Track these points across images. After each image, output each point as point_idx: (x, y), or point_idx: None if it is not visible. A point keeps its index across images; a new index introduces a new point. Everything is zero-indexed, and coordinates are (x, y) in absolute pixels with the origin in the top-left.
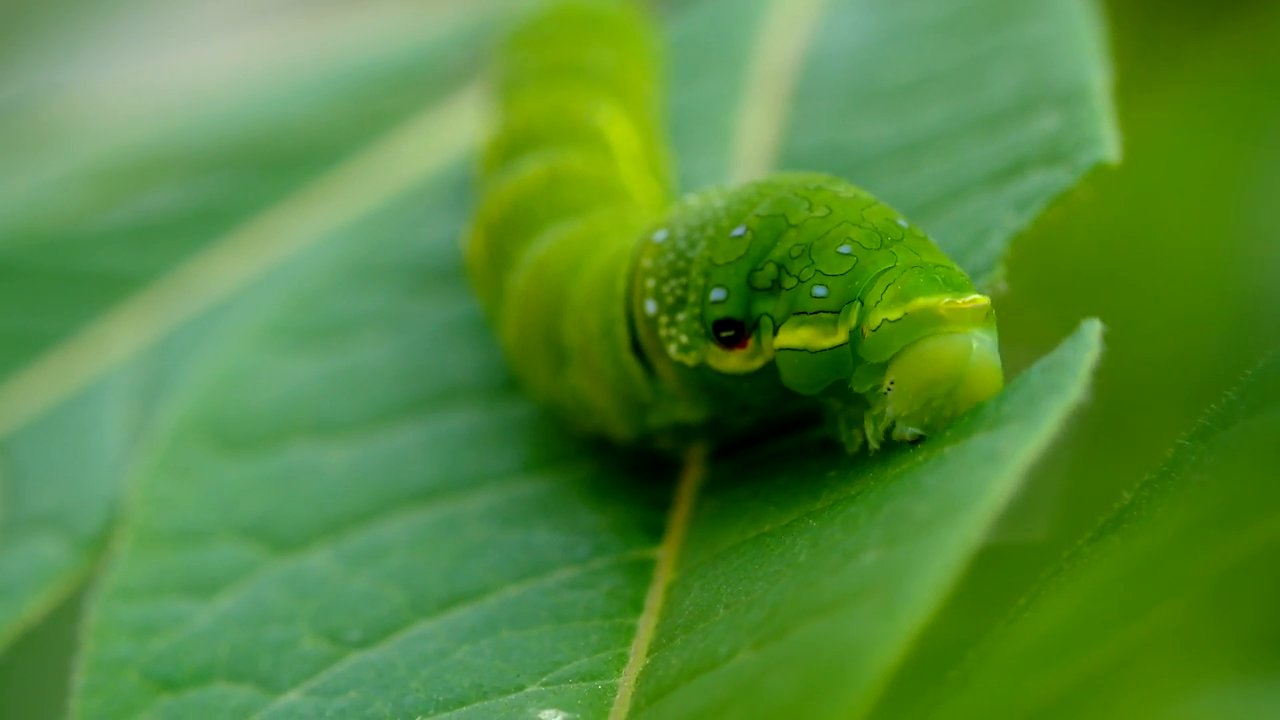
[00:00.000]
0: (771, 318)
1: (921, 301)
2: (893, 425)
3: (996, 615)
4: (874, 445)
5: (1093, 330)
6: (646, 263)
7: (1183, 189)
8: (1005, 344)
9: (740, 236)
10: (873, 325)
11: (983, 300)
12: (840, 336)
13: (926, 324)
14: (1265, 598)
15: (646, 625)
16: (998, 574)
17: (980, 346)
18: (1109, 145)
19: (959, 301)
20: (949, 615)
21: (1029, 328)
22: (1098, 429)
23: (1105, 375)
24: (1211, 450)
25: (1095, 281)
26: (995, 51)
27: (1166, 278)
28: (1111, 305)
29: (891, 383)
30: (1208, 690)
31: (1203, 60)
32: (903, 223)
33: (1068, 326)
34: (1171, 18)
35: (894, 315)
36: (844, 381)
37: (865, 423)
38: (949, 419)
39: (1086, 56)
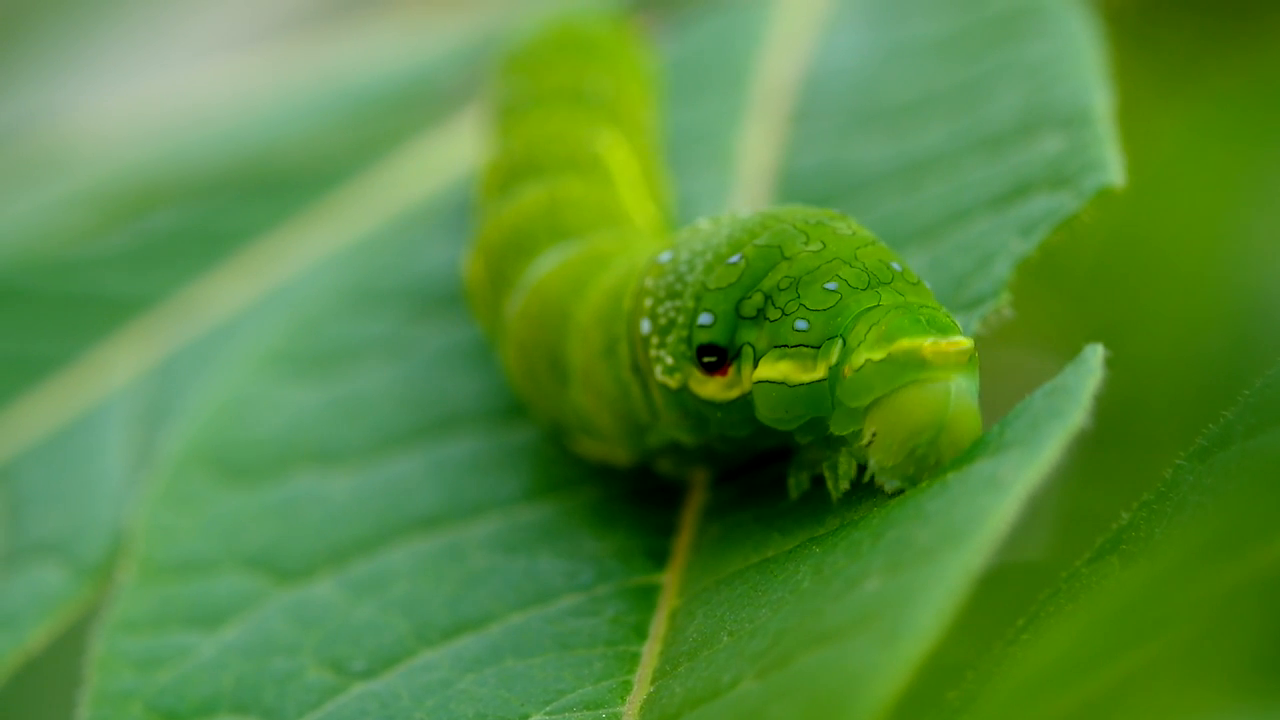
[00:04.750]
0: (753, 348)
1: (906, 343)
2: (867, 471)
3: (995, 636)
4: (836, 492)
5: (1095, 355)
6: (649, 282)
7: (1183, 202)
8: (1007, 354)
9: (735, 264)
10: (855, 365)
11: (966, 343)
12: (819, 372)
13: (910, 367)
14: (1265, 622)
15: (650, 652)
16: (996, 593)
17: (959, 393)
18: (1114, 169)
19: (943, 343)
20: (948, 635)
21: (1030, 339)
22: (1096, 446)
23: (1103, 392)
24: (1210, 471)
25: (1093, 296)
26: (996, 71)
27: (1165, 292)
28: (1110, 320)
29: (874, 434)
30: (1209, 715)
31: (1206, 71)
32: (895, 265)
33: (1067, 340)
34: (1175, 27)
35: (878, 356)
36: (819, 420)
37: (838, 464)
38: (933, 468)
39: (1089, 77)
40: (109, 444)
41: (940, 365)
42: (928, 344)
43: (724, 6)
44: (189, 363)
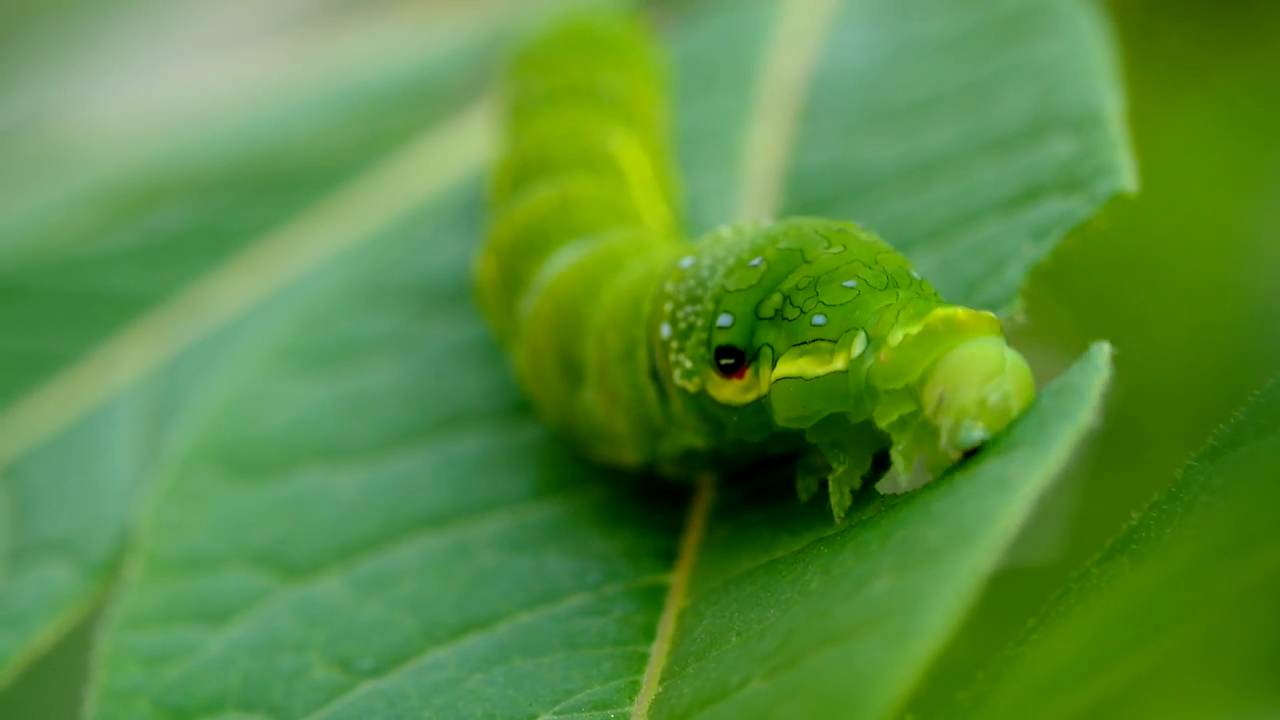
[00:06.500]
0: (772, 349)
1: (940, 312)
2: (939, 438)
3: (1005, 636)
4: (839, 510)
5: (1102, 354)
6: (669, 287)
7: (1192, 203)
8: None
9: (756, 267)
10: (892, 343)
11: (991, 315)
12: (837, 364)
13: (949, 332)
14: (1276, 622)
15: (659, 652)
16: (1006, 594)
17: (1007, 348)
18: (1127, 174)
19: (974, 311)
20: (958, 635)
21: (1037, 340)
22: (1106, 446)
23: (1113, 393)
24: (1220, 471)
25: (1103, 297)
26: (1005, 71)
27: (1175, 293)
28: (1120, 321)
29: (940, 396)
30: (1220, 715)
31: (1214, 70)
32: (915, 274)
33: (1076, 342)
34: (1182, 26)
35: (914, 330)
36: (837, 417)
37: (833, 479)
38: (1007, 417)
39: (1099, 78)
40: (116, 442)
41: (977, 328)
42: (961, 311)
43: (731, 4)
44: (196, 361)
